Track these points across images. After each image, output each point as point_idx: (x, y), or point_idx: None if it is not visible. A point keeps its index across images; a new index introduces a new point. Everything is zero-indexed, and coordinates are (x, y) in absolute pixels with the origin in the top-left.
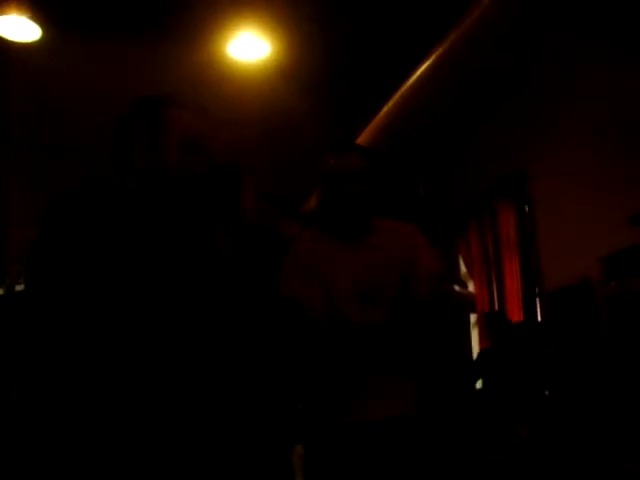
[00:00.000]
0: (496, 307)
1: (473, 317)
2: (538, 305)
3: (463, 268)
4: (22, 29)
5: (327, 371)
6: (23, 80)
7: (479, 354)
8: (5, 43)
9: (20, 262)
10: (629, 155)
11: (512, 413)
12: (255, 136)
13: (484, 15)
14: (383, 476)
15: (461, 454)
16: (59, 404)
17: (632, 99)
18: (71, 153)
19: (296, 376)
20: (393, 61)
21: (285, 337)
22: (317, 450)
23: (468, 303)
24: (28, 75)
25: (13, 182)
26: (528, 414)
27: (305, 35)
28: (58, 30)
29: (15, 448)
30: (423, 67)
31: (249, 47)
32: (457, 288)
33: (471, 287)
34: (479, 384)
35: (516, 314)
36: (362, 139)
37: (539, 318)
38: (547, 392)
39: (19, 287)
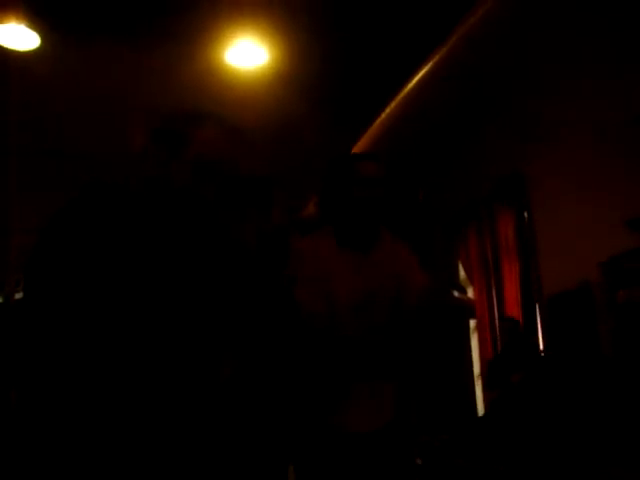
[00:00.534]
0: (495, 312)
1: (472, 323)
2: (537, 310)
3: (462, 273)
4: (20, 37)
5: (318, 378)
6: (22, 88)
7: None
8: (4, 51)
9: (19, 270)
10: (629, 158)
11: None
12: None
13: (481, 19)
14: None
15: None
16: (59, 407)
17: (632, 101)
18: (71, 159)
19: (290, 381)
20: (391, 66)
21: (287, 341)
22: (307, 460)
23: (467, 309)
24: (27, 83)
25: (13, 189)
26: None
27: (303, 41)
28: (56, 38)
29: (15, 449)
30: (421, 72)
31: (247, 54)
32: (456, 294)
33: (470, 292)
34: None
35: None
36: (361, 145)
37: (538, 323)
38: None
39: (18, 295)
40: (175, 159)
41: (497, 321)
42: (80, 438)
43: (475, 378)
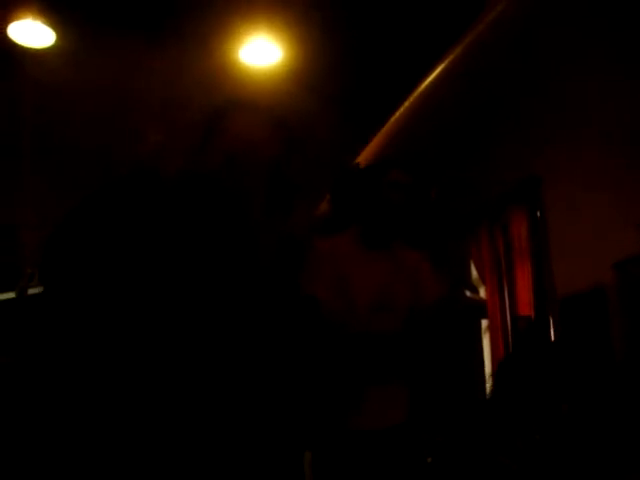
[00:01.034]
0: (508, 313)
1: (484, 323)
2: (550, 312)
3: (475, 273)
4: (36, 34)
5: (333, 375)
6: (37, 84)
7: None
8: (19, 48)
9: (33, 264)
10: None
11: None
12: None
13: (498, 18)
14: None
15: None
16: (66, 404)
17: None
18: (84, 156)
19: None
20: (406, 65)
21: (301, 335)
22: (324, 457)
23: (479, 308)
24: (43, 79)
25: (26, 185)
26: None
27: (317, 40)
28: (72, 35)
29: (15, 448)
30: (436, 71)
31: (261, 52)
32: (468, 294)
33: (482, 292)
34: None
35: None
36: (374, 143)
37: (551, 325)
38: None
39: (32, 290)
40: (208, 150)
41: (509, 321)
42: (86, 434)
43: (486, 378)
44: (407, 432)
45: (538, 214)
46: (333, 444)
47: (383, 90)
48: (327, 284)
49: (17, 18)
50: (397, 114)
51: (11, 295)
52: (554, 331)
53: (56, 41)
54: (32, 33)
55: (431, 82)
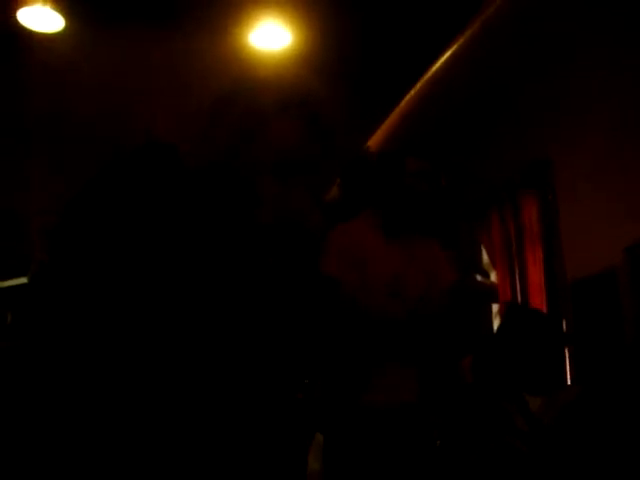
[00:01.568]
0: (519, 297)
1: (495, 307)
2: (561, 295)
3: (486, 258)
4: (45, 19)
5: (348, 354)
6: (46, 70)
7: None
8: (28, 33)
9: (44, 251)
10: None
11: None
12: None
13: (508, 1)
14: (402, 461)
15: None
16: (61, 394)
17: None
18: (94, 142)
19: (315, 357)
20: (416, 48)
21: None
22: (337, 435)
23: (490, 293)
24: (52, 65)
25: (35, 171)
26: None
27: (327, 24)
28: (81, 20)
29: (15, 448)
30: (446, 55)
31: (271, 36)
32: (479, 278)
33: (493, 277)
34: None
35: (539, 304)
36: (385, 127)
37: (561, 308)
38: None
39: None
40: (245, 150)
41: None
42: (87, 432)
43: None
44: (417, 413)
45: (549, 197)
46: (345, 422)
47: (393, 74)
48: (346, 268)
49: (27, 3)
50: (407, 98)
51: (23, 280)
52: (565, 314)
53: (65, 26)
54: (41, 18)
55: (440, 66)
